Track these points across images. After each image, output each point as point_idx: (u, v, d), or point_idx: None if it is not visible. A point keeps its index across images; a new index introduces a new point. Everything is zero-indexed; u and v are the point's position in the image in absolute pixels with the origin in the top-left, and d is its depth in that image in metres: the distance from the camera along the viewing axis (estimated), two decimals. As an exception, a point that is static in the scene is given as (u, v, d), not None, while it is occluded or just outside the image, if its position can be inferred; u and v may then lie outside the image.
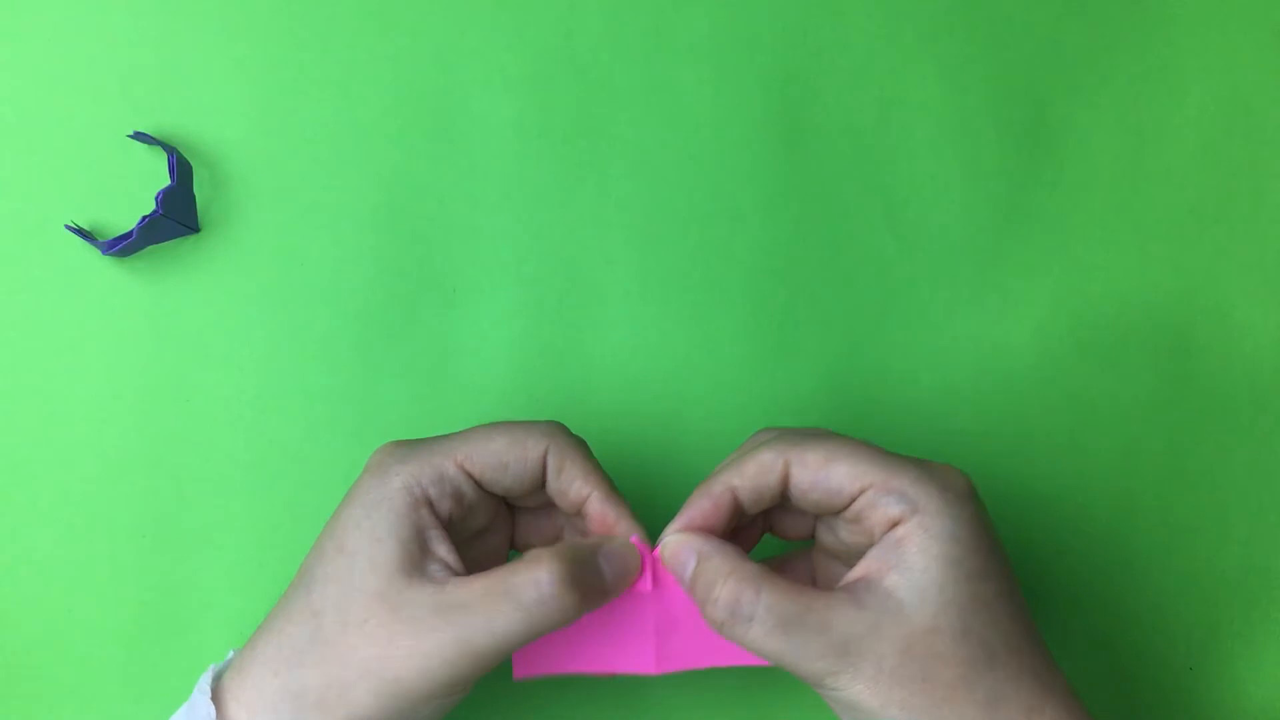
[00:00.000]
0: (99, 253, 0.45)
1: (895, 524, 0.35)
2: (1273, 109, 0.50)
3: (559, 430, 0.38)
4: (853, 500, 0.36)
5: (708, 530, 0.37)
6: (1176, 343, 0.49)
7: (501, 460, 0.37)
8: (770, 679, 0.46)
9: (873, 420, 0.48)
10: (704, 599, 0.36)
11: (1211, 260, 0.50)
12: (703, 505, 0.37)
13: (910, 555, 0.35)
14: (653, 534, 0.38)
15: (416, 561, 0.36)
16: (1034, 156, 0.49)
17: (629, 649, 0.38)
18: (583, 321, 0.47)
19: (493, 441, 0.37)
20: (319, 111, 0.47)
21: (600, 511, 0.38)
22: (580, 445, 0.38)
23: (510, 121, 0.48)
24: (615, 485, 0.39)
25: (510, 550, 0.42)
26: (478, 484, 0.37)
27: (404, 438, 0.45)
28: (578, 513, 0.38)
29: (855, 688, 0.34)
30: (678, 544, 0.37)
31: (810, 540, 0.41)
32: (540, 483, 0.38)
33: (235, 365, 0.46)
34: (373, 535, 0.36)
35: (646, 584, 0.38)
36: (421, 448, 0.37)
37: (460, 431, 0.38)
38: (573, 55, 0.48)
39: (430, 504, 0.36)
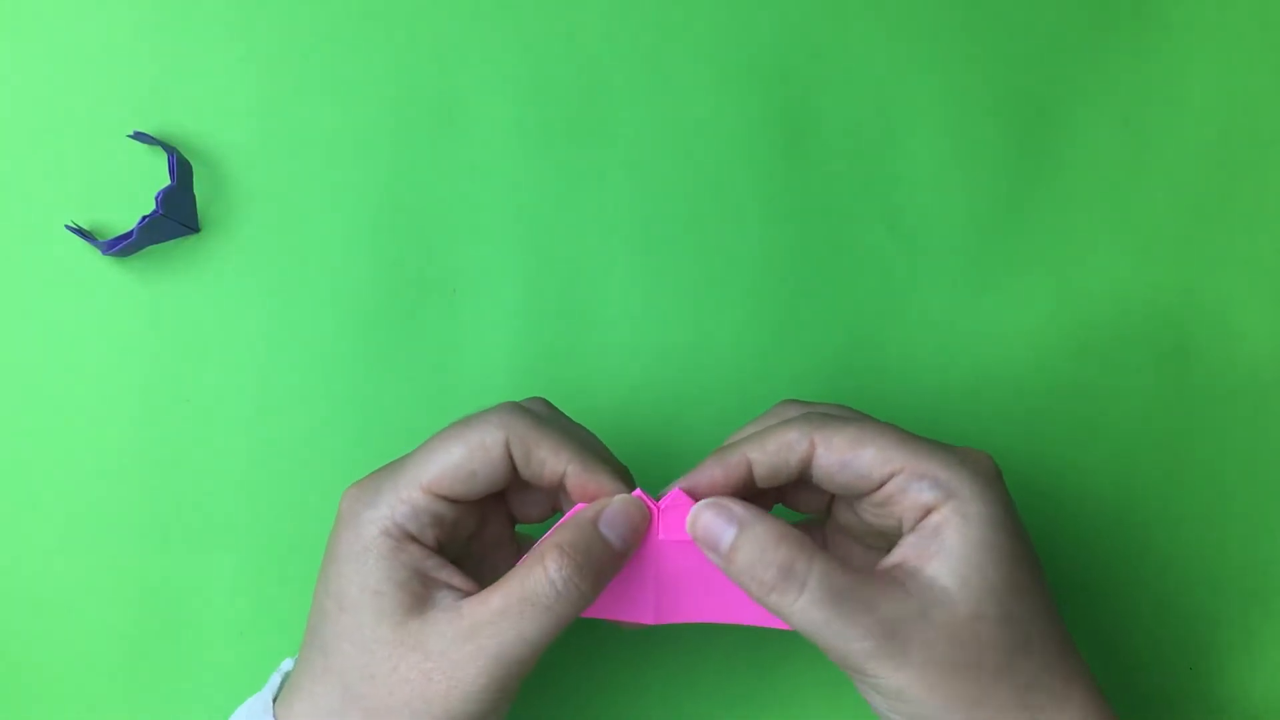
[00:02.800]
0: (99, 253, 0.45)
1: (929, 510, 0.35)
2: (1273, 109, 0.50)
3: (514, 414, 0.36)
4: (881, 485, 0.35)
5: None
6: (1176, 342, 0.49)
7: (467, 471, 0.36)
8: (774, 680, 0.46)
9: (873, 420, 0.48)
10: (751, 564, 0.35)
11: (1211, 260, 0.50)
12: (713, 472, 0.37)
13: (950, 542, 0.34)
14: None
15: (422, 597, 0.35)
16: (1034, 156, 0.49)
17: (628, 596, 0.37)
18: (583, 321, 0.47)
19: (451, 454, 0.36)
20: (319, 111, 0.47)
21: (580, 485, 0.37)
22: (540, 423, 0.36)
23: (510, 121, 0.48)
24: (594, 441, 0.39)
25: (515, 523, 0.41)
26: (452, 501, 0.36)
27: (403, 437, 0.46)
28: (561, 487, 0.37)
29: (902, 675, 0.34)
30: (712, 514, 0.36)
31: (822, 514, 0.40)
32: (514, 473, 0.37)
33: (235, 365, 0.46)
34: (368, 588, 0.35)
35: (654, 531, 0.37)
36: (386, 484, 0.36)
37: (418, 449, 0.37)
38: (573, 55, 0.48)
39: (413, 538, 0.36)
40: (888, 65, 0.49)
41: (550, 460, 0.36)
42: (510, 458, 0.36)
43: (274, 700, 0.37)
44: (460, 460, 0.36)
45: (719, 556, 0.36)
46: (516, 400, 0.39)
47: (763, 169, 0.48)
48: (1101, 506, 0.48)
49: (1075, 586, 0.48)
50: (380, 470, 0.37)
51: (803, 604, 0.34)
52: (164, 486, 0.45)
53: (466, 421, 0.36)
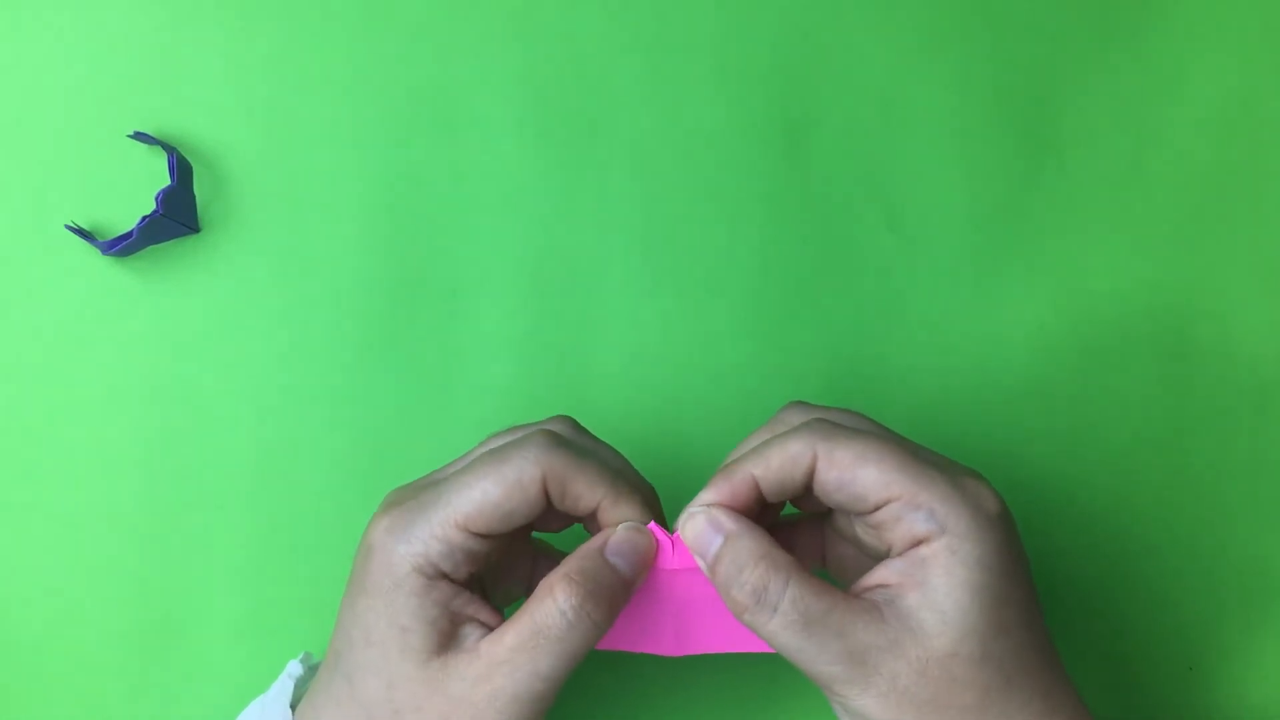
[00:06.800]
0: (99, 253, 0.45)
1: (920, 541, 0.34)
2: (1273, 109, 0.50)
3: (549, 449, 0.36)
4: (877, 509, 0.35)
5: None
6: (1176, 342, 0.49)
7: (504, 510, 0.35)
8: (775, 683, 0.46)
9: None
10: (729, 580, 0.35)
11: (1211, 260, 0.50)
12: (721, 491, 0.36)
13: (935, 577, 0.34)
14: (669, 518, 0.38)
15: (448, 634, 0.35)
16: (1034, 156, 0.49)
17: (648, 628, 0.37)
18: (583, 321, 0.47)
19: (488, 494, 0.35)
20: (319, 111, 0.47)
21: (611, 518, 0.37)
22: (575, 457, 0.36)
23: (510, 121, 0.48)
24: (624, 465, 0.39)
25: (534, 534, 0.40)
26: (485, 537, 0.36)
27: (403, 437, 0.46)
28: (591, 518, 0.37)
29: (865, 701, 0.34)
30: (703, 522, 0.36)
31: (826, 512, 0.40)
32: (547, 506, 0.36)
33: (235, 365, 0.46)
34: (398, 624, 0.35)
35: (669, 561, 0.37)
36: (419, 519, 0.35)
37: (450, 477, 0.36)
38: (573, 55, 0.48)
39: (446, 575, 0.35)
40: (888, 65, 0.49)
41: (586, 496, 0.36)
42: (546, 494, 0.36)
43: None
44: (498, 500, 0.35)
45: (705, 566, 0.36)
46: (541, 421, 0.38)
47: (762, 168, 0.48)
48: (1101, 506, 0.48)
49: (1075, 586, 0.48)
50: (410, 497, 0.36)
51: (774, 626, 0.34)
52: (164, 486, 0.45)
53: (502, 455, 0.36)
